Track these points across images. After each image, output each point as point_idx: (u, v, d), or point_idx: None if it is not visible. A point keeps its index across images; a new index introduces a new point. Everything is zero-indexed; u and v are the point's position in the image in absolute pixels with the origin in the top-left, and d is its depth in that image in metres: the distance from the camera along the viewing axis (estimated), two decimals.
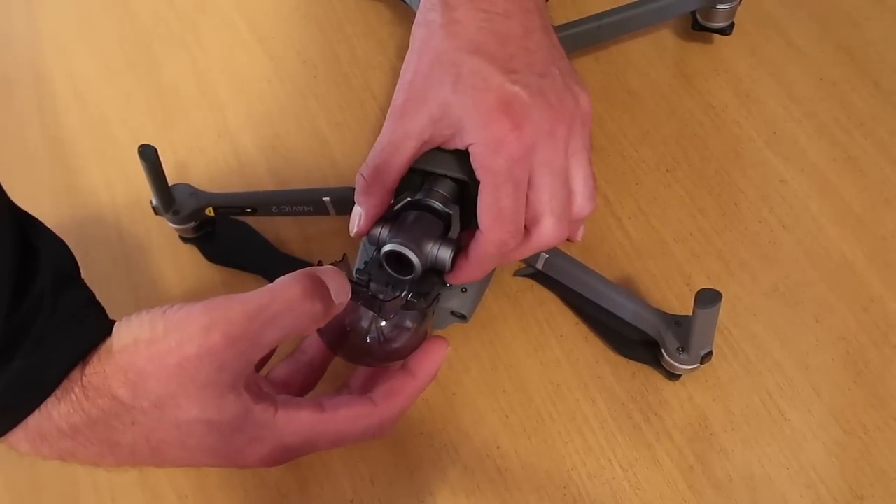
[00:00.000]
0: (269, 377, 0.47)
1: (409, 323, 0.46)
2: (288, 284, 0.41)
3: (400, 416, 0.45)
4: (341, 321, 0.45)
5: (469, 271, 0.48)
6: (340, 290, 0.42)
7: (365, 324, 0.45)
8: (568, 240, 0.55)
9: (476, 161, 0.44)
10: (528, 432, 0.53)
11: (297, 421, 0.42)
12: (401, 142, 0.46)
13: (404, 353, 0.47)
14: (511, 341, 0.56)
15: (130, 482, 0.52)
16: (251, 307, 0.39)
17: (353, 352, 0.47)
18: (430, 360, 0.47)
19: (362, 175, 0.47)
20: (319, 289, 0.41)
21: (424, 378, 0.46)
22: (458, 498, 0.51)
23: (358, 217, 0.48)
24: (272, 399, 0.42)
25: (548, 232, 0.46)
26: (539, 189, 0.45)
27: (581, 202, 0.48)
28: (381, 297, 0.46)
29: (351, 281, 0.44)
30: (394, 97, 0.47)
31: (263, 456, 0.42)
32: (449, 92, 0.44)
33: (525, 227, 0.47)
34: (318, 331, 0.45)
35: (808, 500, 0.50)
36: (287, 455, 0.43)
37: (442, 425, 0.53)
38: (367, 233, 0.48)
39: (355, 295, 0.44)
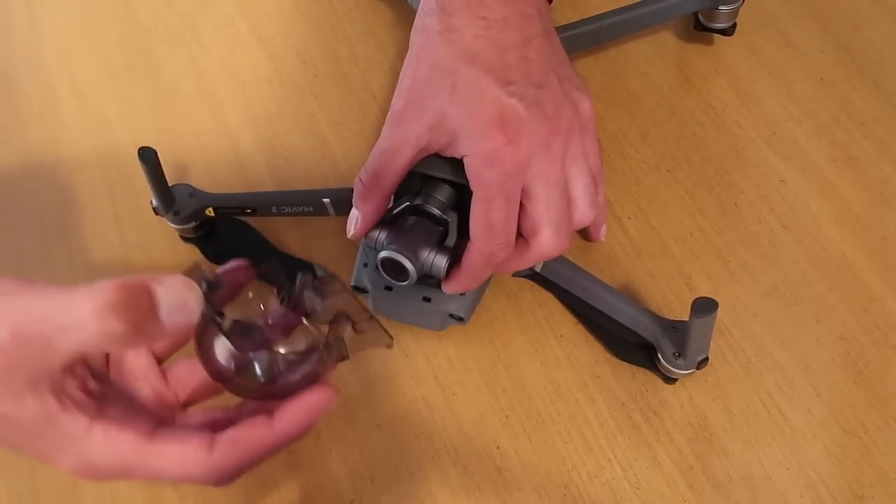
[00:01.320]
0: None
1: (291, 359, 0.39)
2: (86, 293, 0.35)
3: (243, 469, 0.40)
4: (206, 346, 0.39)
5: (461, 280, 0.48)
6: (177, 308, 0.36)
7: (223, 354, 0.39)
8: (590, 239, 0.56)
9: (470, 172, 0.45)
10: (528, 432, 0.53)
11: (113, 442, 0.37)
12: (398, 148, 0.46)
13: (286, 394, 0.39)
14: (511, 341, 0.56)
15: (130, 482, 0.52)
16: (47, 310, 0.35)
17: (228, 383, 0.40)
18: (300, 412, 0.39)
19: (360, 180, 0.47)
20: (127, 305, 0.35)
21: (283, 435, 0.39)
22: (458, 498, 0.51)
23: (355, 220, 0.49)
24: (90, 410, 0.37)
25: (546, 243, 0.47)
26: (536, 201, 0.46)
27: (582, 209, 0.48)
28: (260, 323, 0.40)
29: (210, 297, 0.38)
30: (392, 102, 0.48)
31: (71, 467, 0.37)
32: (446, 101, 0.45)
33: (524, 237, 0.47)
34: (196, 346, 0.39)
35: (808, 500, 0.50)
36: (97, 474, 0.38)
37: (442, 425, 0.53)
38: (363, 236, 0.49)
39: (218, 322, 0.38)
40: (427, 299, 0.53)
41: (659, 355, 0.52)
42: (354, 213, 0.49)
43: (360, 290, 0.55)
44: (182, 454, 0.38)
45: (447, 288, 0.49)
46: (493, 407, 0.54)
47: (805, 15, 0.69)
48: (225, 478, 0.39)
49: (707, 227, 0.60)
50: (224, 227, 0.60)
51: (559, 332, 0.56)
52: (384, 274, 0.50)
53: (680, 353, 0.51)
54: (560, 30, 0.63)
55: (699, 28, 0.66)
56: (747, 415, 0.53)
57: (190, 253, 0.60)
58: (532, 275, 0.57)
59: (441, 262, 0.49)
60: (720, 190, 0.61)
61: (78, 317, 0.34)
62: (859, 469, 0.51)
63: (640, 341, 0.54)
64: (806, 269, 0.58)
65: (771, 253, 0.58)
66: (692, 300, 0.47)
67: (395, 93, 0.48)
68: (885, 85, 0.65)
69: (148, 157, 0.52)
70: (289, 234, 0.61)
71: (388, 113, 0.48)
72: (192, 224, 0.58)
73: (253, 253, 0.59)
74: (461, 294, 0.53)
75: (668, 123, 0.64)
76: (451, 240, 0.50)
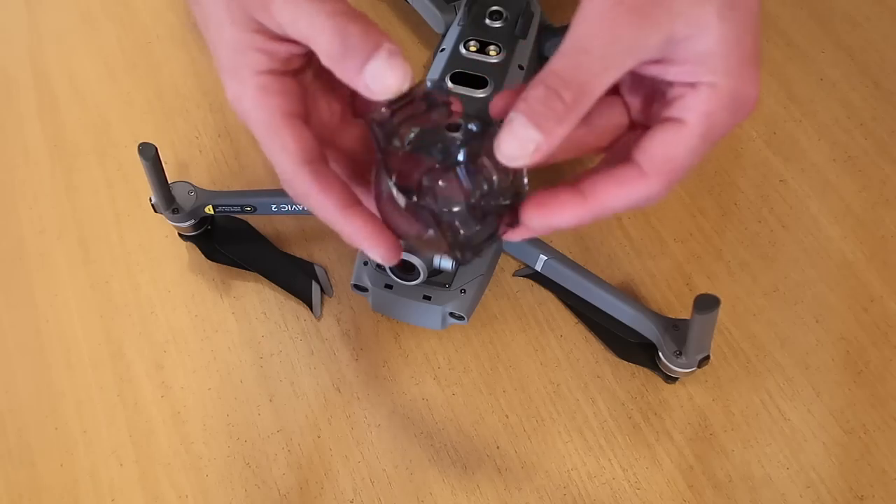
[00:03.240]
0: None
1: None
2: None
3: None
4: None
5: (580, 212, 0.36)
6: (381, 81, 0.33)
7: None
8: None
9: (702, 103, 0.35)
10: (528, 432, 0.53)
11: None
12: (619, 56, 0.34)
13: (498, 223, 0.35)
14: (511, 341, 0.56)
15: (130, 482, 0.53)
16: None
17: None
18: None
19: (559, 96, 0.34)
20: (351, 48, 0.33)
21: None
22: (458, 498, 0.51)
23: (535, 146, 0.34)
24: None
25: (662, 189, 0.37)
26: None
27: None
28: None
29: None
30: None
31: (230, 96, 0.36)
32: (713, 14, 0.34)
33: (639, 167, 0.37)
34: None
35: (808, 500, 0.50)
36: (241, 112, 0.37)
37: (442, 425, 0.53)
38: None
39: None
40: (427, 298, 0.53)
41: (660, 354, 0.52)
42: (530, 134, 0.34)
43: (360, 288, 0.55)
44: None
45: (543, 219, 0.36)
46: (493, 407, 0.54)
47: (805, 15, 0.69)
48: None
49: (707, 227, 0.60)
50: (223, 226, 0.60)
51: (559, 332, 0.56)
52: (392, 274, 0.51)
53: (681, 351, 0.51)
54: (561, 31, 0.63)
55: None
56: (747, 415, 0.53)
57: (190, 251, 0.60)
58: (532, 274, 0.57)
59: (448, 264, 0.50)
60: (720, 190, 0.61)
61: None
62: (859, 469, 0.51)
63: (641, 340, 0.54)
64: (806, 269, 0.58)
65: (771, 253, 0.58)
66: (694, 297, 0.47)
67: None
68: (885, 85, 0.65)
69: (148, 153, 0.52)
70: (289, 233, 0.61)
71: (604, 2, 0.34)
72: (192, 222, 0.58)
73: (252, 251, 0.60)
74: (461, 293, 0.53)
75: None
76: None
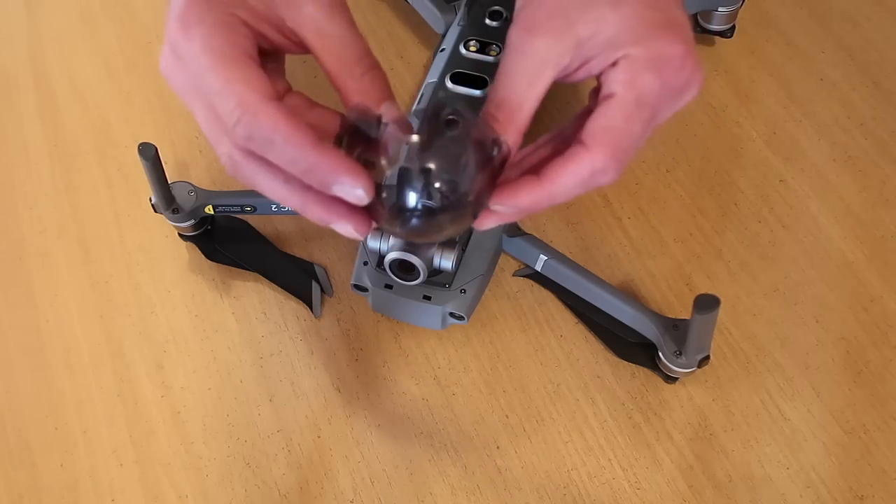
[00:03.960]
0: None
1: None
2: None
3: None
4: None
5: (534, 194, 0.38)
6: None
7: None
8: None
9: (622, 73, 0.37)
10: (528, 432, 0.53)
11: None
12: (537, 71, 0.38)
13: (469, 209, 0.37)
14: (511, 341, 0.56)
15: (130, 482, 0.53)
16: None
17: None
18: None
19: (494, 116, 0.38)
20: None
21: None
22: (458, 498, 0.51)
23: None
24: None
25: (612, 166, 0.39)
26: None
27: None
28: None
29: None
30: (517, 6, 0.40)
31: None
32: (605, 7, 0.37)
33: (584, 144, 0.39)
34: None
35: (808, 500, 0.50)
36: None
37: (442, 425, 0.53)
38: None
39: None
40: (427, 298, 0.53)
41: (660, 354, 0.52)
42: None
43: (360, 288, 0.55)
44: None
45: (505, 200, 0.38)
46: (493, 407, 0.54)
47: (805, 15, 0.69)
48: None
49: (707, 227, 0.60)
50: (223, 226, 0.60)
51: (559, 332, 0.56)
52: (392, 275, 0.51)
53: (681, 351, 0.51)
54: None
55: (699, 30, 0.66)
56: (747, 415, 0.53)
57: (189, 251, 0.60)
58: (532, 274, 0.57)
59: (447, 263, 0.50)
60: (720, 190, 0.61)
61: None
62: (859, 469, 0.51)
63: (641, 340, 0.54)
64: (806, 269, 0.58)
65: (771, 253, 0.58)
66: (694, 297, 0.47)
67: (518, 6, 0.40)
68: (885, 85, 0.65)
69: (148, 153, 0.52)
70: (289, 234, 0.61)
71: (512, 31, 0.38)
72: (192, 222, 0.58)
73: (252, 251, 0.60)
74: (461, 293, 0.53)
75: (668, 123, 0.63)
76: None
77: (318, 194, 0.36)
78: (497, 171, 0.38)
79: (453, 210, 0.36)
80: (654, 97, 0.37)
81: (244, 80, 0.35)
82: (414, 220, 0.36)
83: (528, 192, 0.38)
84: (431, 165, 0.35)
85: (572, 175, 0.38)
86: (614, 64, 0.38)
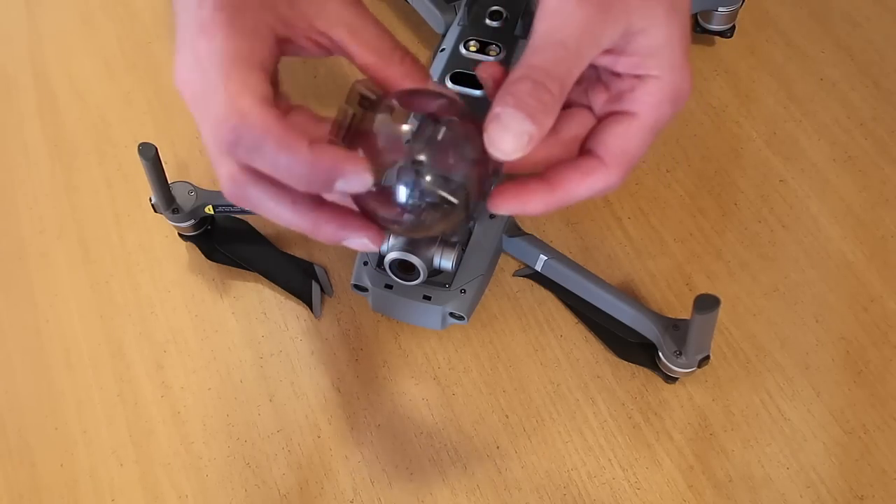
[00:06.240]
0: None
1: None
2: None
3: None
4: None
5: (547, 200, 0.38)
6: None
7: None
8: None
9: (649, 97, 0.38)
10: (528, 432, 0.53)
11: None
12: (589, 46, 0.37)
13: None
14: (511, 341, 0.56)
15: (130, 482, 0.53)
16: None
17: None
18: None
19: (549, 89, 0.36)
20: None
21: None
22: (458, 498, 0.51)
23: (528, 137, 0.36)
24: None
25: (617, 179, 0.40)
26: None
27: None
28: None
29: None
30: None
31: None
32: (662, 11, 0.37)
33: (597, 158, 0.40)
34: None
35: (808, 500, 0.50)
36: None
37: (442, 425, 0.53)
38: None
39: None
40: (427, 298, 0.53)
41: (660, 354, 0.52)
42: (524, 126, 0.36)
43: (360, 288, 0.55)
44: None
45: (512, 205, 0.38)
46: (493, 407, 0.54)
47: (805, 15, 0.69)
48: None
49: (707, 227, 0.60)
50: (223, 226, 0.60)
51: (559, 332, 0.56)
52: (392, 275, 0.51)
53: (681, 351, 0.51)
54: None
55: (699, 30, 0.66)
56: (747, 415, 0.53)
57: (189, 251, 0.60)
58: (532, 274, 0.57)
59: (450, 255, 0.50)
60: (720, 190, 0.61)
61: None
62: (859, 469, 0.51)
63: (641, 340, 0.54)
64: (806, 269, 0.58)
65: (771, 253, 0.58)
66: (694, 297, 0.47)
67: None
68: (885, 85, 0.65)
69: (148, 152, 0.52)
70: (289, 234, 0.61)
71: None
72: (192, 222, 0.58)
73: (252, 251, 0.60)
74: (461, 293, 0.53)
75: (669, 123, 0.64)
76: (455, 234, 0.51)
77: (329, 213, 0.36)
78: (496, 164, 0.37)
79: (449, 205, 0.36)
80: (667, 121, 0.39)
81: (241, 82, 0.35)
82: (407, 216, 0.36)
83: (540, 198, 0.38)
84: (424, 159, 0.35)
85: (588, 188, 0.39)
86: (641, 77, 0.38)
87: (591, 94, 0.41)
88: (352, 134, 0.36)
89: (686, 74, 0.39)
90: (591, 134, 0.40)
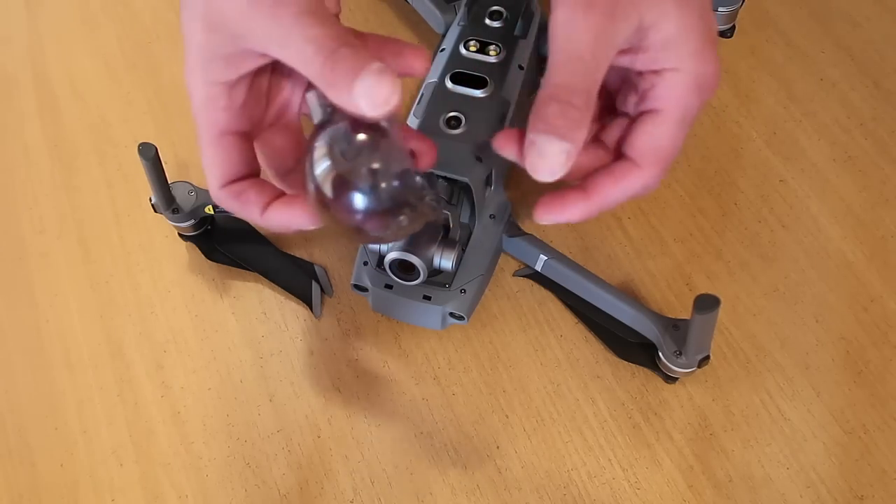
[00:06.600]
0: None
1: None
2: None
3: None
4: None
5: (587, 208, 0.40)
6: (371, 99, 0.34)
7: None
8: None
9: (672, 91, 0.38)
10: (528, 432, 0.53)
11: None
12: (606, 53, 0.37)
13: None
14: (511, 341, 0.56)
15: (130, 482, 0.53)
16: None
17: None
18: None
19: (574, 105, 0.37)
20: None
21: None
22: (458, 498, 0.51)
23: (567, 155, 0.37)
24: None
25: (656, 178, 0.40)
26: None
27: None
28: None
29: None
30: None
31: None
32: (672, 4, 0.37)
33: (632, 160, 0.41)
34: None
35: (808, 500, 0.50)
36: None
37: (442, 425, 0.53)
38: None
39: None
40: (427, 298, 0.53)
41: (660, 354, 0.52)
42: (562, 146, 0.36)
43: (360, 288, 0.55)
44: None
45: (554, 214, 0.40)
46: (493, 407, 0.54)
47: (805, 15, 0.69)
48: None
49: (707, 227, 0.60)
50: (223, 226, 0.60)
51: (559, 332, 0.56)
52: (392, 275, 0.51)
53: (681, 351, 0.51)
54: None
55: None
56: (747, 415, 0.53)
57: (189, 251, 0.60)
58: (532, 274, 0.57)
59: (448, 263, 0.50)
60: (720, 190, 0.61)
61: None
62: (859, 469, 0.51)
63: (641, 340, 0.54)
64: (806, 269, 0.58)
65: (771, 253, 0.58)
66: (694, 297, 0.47)
67: None
68: (885, 85, 0.65)
69: (148, 153, 0.52)
70: (288, 234, 0.61)
71: (563, 10, 0.37)
72: (192, 222, 0.58)
73: (252, 251, 0.60)
74: (461, 293, 0.53)
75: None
76: (455, 232, 0.51)
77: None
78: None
79: (381, 209, 0.36)
80: (695, 113, 0.39)
81: (210, 163, 0.41)
82: (365, 221, 0.37)
83: (579, 206, 0.39)
84: (359, 168, 0.36)
85: (624, 191, 0.39)
86: (659, 72, 0.38)
87: (623, 98, 0.41)
88: (306, 146, 0.37)
89: (709, 59, 0.38)
90: (623, 137, 0.40)
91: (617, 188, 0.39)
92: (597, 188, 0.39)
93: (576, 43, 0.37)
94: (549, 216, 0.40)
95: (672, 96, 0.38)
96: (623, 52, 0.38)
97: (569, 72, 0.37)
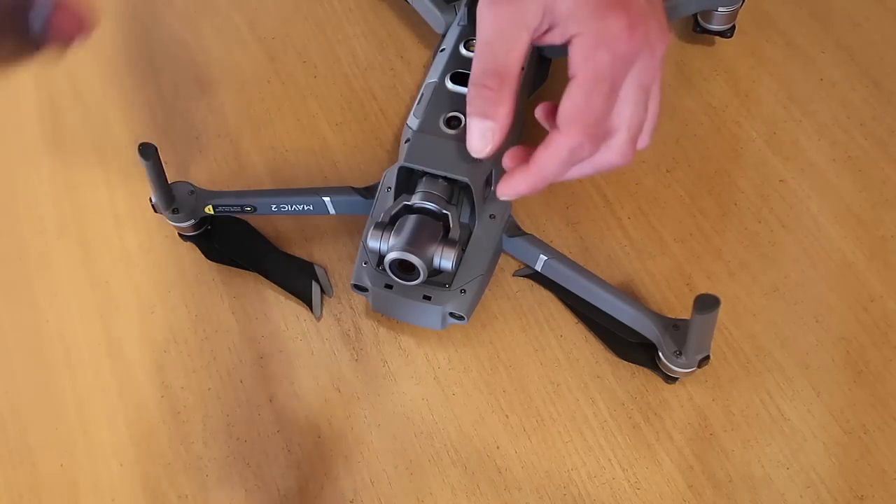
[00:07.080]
0: None
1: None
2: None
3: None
4: None
5: (528, 179, 0.44)
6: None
7: None
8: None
9: (578, 53, 0.41)
10: (528, 432, 0.53)
11: None
12: (513, 36, 0.42)
13: None
14: (511, 341, 0.56)
15: (130, 482, 0.53)
16: None
17: None
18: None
19: (485, 86, 0.42)
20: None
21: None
22: (458, 498, 0.51)
23: (489, 132, 0.43)
24: None
25: (617, 148, 0.44)
26: (623, 101, 0.43)
27: (648, 127, 0.46)
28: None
29: None
30: None
31: None
32: None
33: None
34: None
35: (808, 500, 0.50)
36: None
37: (442, 425, 0.53)
38: (500, 146, 0.45)
39: None
40: (427, 298, 0.53)
41: (660, 354, 0.52)
42: (486, 125, 0.43)
43: (360, 288, 0.55)
44: None
45: (504, 190, 0.45)
46: (493, 407, 0.54)
47: (805, 15, 0.69)
48: None
49: (707, 227, 0.60)
50: (223, 226, 0.60)
51: (559, 332, 0.56)
52: (392, 275, 0.51)
53: (681, 351, 0.51)
54: None
55: (699, 30, 0.66)
56: (747, 415, 0.53)
57: (189, 252, 0.60)
58: (532, 274, 0.57)
59: (448, 263, 0.50)
60: (720, 190, 0.61)
61: None
62: (859, 469, 0.51)
63: (641, 340, 0.54)
64: (806, 269, 0.58)
65: (771, 253, 0.58)
66: (694, 297, 0.47)
67: None
68: (885, 85, 0.65)
69: (148, 152, 0.52)
70: (289, 234, 0.61)
71: (481, 4, 0.42)
72: (192, 222, 0.58)
73: (252, 251, 0.60)
74: (461, 293, 0.53)
75: (669, 124, 0.64)
76: (455, 232, 0.51)
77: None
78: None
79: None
80: (609, 69, 0.41)
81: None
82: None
83: (523, 178, 0.44)
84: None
85: (553, 157, 0.43)
86: (569, 41, 0.41)
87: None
88: None
89: (608, 14, 0.41)
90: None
91: (546, 155, 0.43)
92: (534, 159, 0.43)
93: (484, 30, 0.42)
94: (502, 191, 0.45)
95: (579, 58, 0.41)
96: (547, 31, 0.42)
97: (481, 57, 0.42)
